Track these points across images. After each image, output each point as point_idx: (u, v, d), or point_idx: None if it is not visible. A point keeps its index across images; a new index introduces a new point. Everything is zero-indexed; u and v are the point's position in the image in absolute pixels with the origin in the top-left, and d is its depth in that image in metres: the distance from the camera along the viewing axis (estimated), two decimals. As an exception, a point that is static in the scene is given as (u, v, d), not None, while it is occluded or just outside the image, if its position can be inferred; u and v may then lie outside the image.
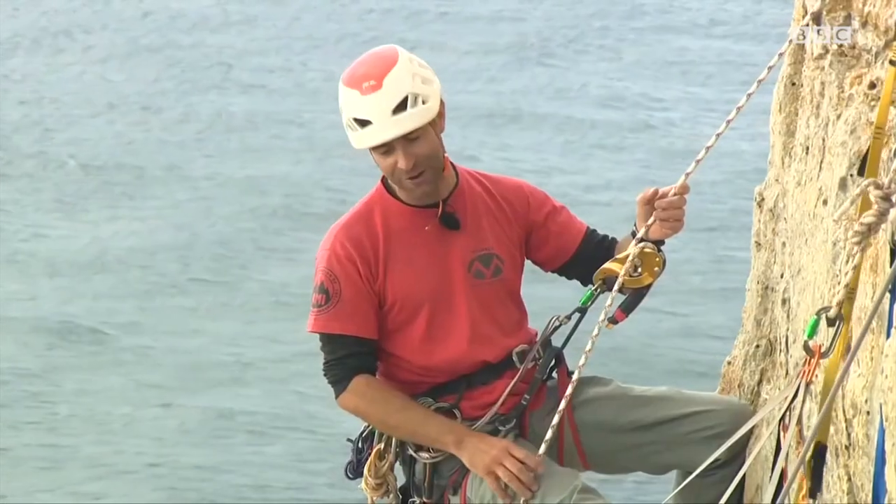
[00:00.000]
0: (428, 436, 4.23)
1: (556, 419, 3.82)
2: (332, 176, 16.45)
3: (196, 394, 11.73)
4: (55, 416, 11.42)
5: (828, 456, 3.24)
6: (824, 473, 3.23)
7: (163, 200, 15.99)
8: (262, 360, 12.41)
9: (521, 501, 4.06)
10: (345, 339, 4.22)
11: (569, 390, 3.84)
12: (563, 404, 3.86)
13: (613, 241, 4.41)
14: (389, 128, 4.02)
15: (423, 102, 4.04)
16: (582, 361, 3.85)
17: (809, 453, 3.14)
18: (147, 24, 22.77)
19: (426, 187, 4.15)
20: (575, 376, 3.89)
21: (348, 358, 4.22)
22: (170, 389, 11.80)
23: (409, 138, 4.04)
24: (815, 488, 3.14)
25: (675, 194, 4.04)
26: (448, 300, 4.23)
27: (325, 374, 4.27)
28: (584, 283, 4.38)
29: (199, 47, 21.67)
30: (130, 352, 12.49)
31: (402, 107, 4.01)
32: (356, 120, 4.06)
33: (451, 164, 4.28)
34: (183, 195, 16.14)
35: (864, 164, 3.17)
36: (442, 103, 4.11)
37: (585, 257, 4.35)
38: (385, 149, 4.06)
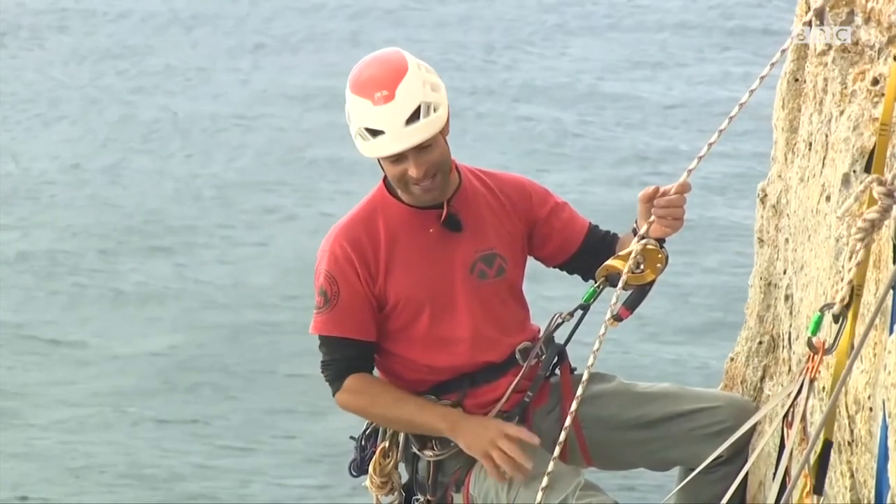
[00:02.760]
0: (424, 424, 4.22)
1: (568, 421, 3.80)
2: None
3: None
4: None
5: (831, 452, 3.24)
6: (828, 470, 3.23)
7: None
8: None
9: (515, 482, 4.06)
10: (341, 341, 4.21)
11: (579, 391, 3.82)
12: (574, 405, 3.84)
13: (615, 237, 4.40)
14: (403, 138, 4.00)
15: (435, 111, 4.02)
16: (591, 361, 3.85)
17: (818, 450, 3.13)
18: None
19: (435, 193, 4.15)
20: (585, 376, 3.89)
21: (344, 360, 4.22)
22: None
23: (421, 147, 4.03)
24: (819, 485, 3.13)
25: (675, 193, 4.02)
26: (449, 302, 4.22)
27: (322, 374, 4.27)
28: (586, 279, 4.38)
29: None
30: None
31: (415, 117, 3.99)
32: (368, 130, 4.04)
33: (454, 164, 4.27)
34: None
35: (871, 161, 3.16)
36: (447, 107, 4.10)
37: (588, 253, 4.34)
38: (396, 157, 4.05)
